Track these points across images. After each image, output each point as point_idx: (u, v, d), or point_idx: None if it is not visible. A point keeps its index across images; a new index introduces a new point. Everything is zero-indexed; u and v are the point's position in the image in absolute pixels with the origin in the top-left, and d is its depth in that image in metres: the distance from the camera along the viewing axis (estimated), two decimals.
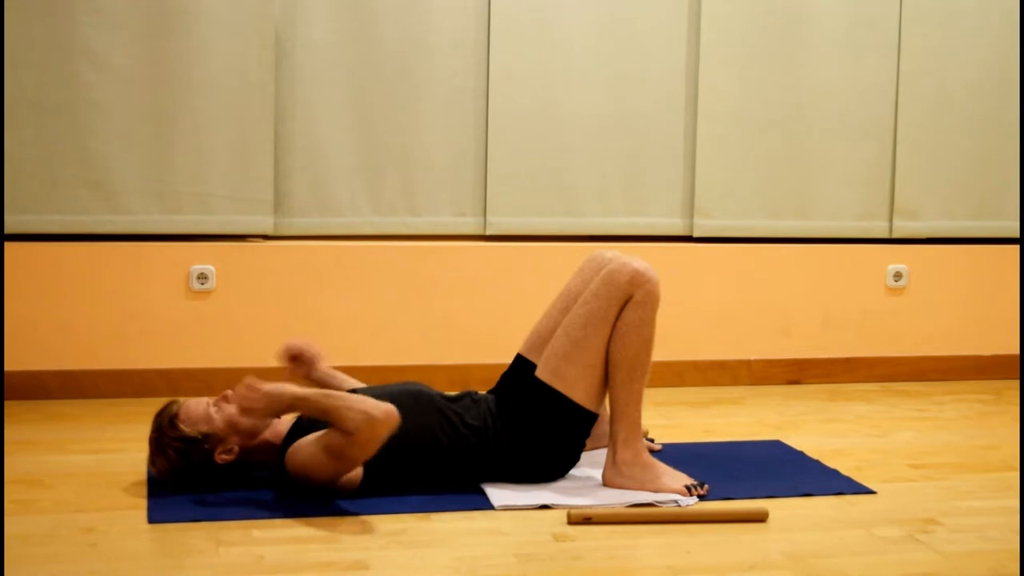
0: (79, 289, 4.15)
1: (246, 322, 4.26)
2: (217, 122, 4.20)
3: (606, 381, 3.16)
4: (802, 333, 4.69)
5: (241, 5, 4.17)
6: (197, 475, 3.07)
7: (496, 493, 3.07)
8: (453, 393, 3.27)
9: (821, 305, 4.71)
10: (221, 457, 3.06)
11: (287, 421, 3.14)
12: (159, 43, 4.13)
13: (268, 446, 3.09)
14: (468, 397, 3.23)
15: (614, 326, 3.11)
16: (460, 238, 4.48)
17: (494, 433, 3.13)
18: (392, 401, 3.12)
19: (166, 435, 3.04)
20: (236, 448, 3.07)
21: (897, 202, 4.74)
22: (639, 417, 3.16)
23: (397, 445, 3.06)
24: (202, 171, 4.21)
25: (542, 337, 3.28)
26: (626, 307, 3.10)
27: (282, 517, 2.92)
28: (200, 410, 3.06)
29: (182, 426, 3.03)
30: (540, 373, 3.16)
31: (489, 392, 3.28)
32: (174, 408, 3.07)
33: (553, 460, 3.19)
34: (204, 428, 3.04)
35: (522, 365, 3.26)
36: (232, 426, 3.05)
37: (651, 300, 3.11)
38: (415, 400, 3.13)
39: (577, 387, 3.12)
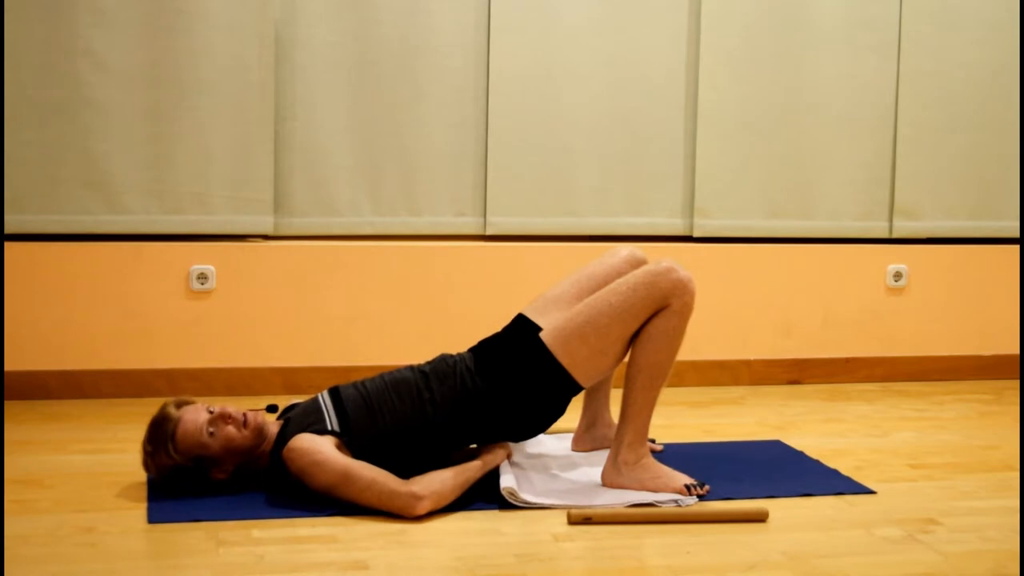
0: (79, 289, 4.15)
1: (246, 322, 4.27)
2: (217, 122, 4.20)
3: (609, 369, 3.17)
4: (802, 333, 4.69)
5: (241, 5, 4.17)
6: (191, 485, 3.06)
7: (507, 476, 3.08)
8: (427, 363, 3.24)
9: (821, 305, 4.71)
10: (216, 475, 3.06)
11: (276, 428, 3.13)
12: (159, 43, 4.13)
13: (261, 454, 3.09)
14: (442, 362, 3.21)
15: (643, 328, 3.10)
16: (460, 238, 4.48)
17: (472, 391, 3.13)
18: (373, 398, 3.12)
19: (161, 459, 3.02)
20: (231, 467, 3.06)
21: (897, 202, 4.74)
22: (648, 423, 3.15)
23: (387, 440, 3.07)
24: (202, 171, 4.21)
25: (550, 301, 3.28)
26: (660, 314, 3.09)
27: (282, 517, 2.92)
28: (195, 437, 3.00)
29: (176, 455, 3.00)
30: (547, 338, 3.13)
31: (468, 350, 3.27)
32: (170, 428, 3.01)
33: (531, 418, 3.17)
34: (199, 453, 3.01)
35: (525, 324, 3.24)
36: (228, 450, 3.03)
37: (687, 311, 3.11)
38: (393, 390, 3.14)
39: (579, 365, 3.12)
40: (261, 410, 3.18)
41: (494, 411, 3.13)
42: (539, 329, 3.18)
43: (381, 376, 3.21)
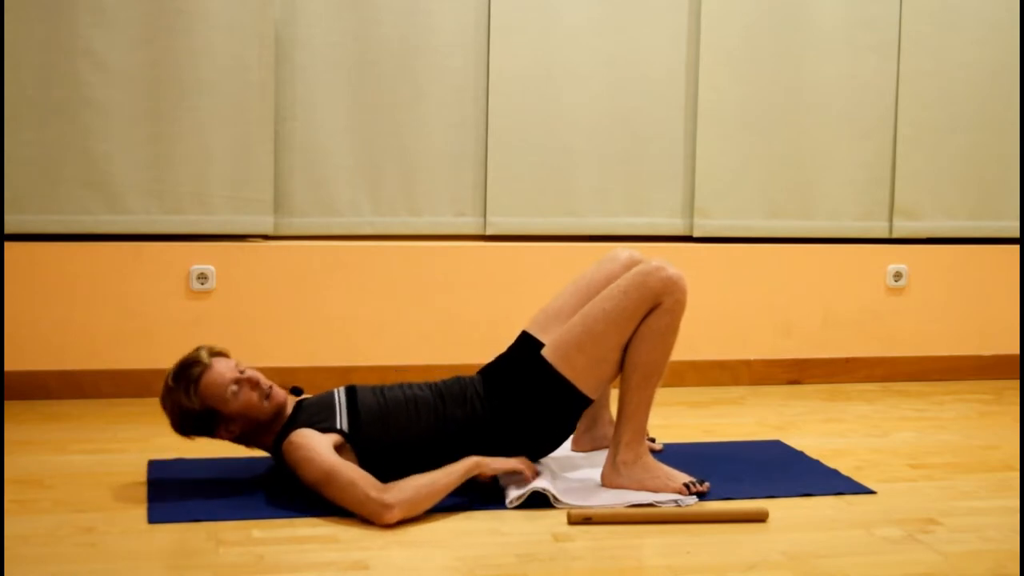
0: (79, 289, 4.15)
1: (246, 322, 4.27)
2: (217, 122, 4.20)
3: (612, 376, 3.17)
4: (802, 333, 4.69)
5: (241, 5, 4.17)
6: (195, 434, 3.09)
7: (512, 491, 3.07)
8: (442, 381, 3.25)
9: (821, 305, 4.70)
10: (222, 434, 3.08)
11: (291, 405, 3.14)
12: (159, 43, 4.13)
13: (269, 431, 3.10)
14: (456, 384, 3.22)
15: (636, 328, 3.11)
16: (460, 238, 4.48)
17: (482, 416, 3.13)
18: (390, 408, 3.12)
19: (178, 397, 3.03)
20: (238, 430, 3.08)
21: (897, 202, 4.74)
22: (646, 422, 3.16)
23: (394, 452, 3.07)
24: (202, 171, 4.21)
25: (551, 317, 3.27)
26: (653, 312, 3.09)
27: (282, 517, 2.92)
28: (219, 389, 3.01)
29: (195, 398, 3.02)
30: (548, 354, 3.14)
31: (477, 373, 3.28)
32: (196, 372, 3.03)
33: (543, 437, 3.19)
34: (216, 405, 3.03)
35: (528, 342, 3.25)
36: (244, 414, 3.05)
37: (679, 309, 3.11)
38: (412, 405, 3.14)
39: (582, 376, 3.12)
40: (287, 388, 3.19)
41: (506, 434, 3.14)
42: (542, 346, 3.19)
43: (400, 387, 3.21)
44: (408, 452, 3.08)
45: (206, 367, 3.04)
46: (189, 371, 3.04)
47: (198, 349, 3.10)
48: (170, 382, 3.05)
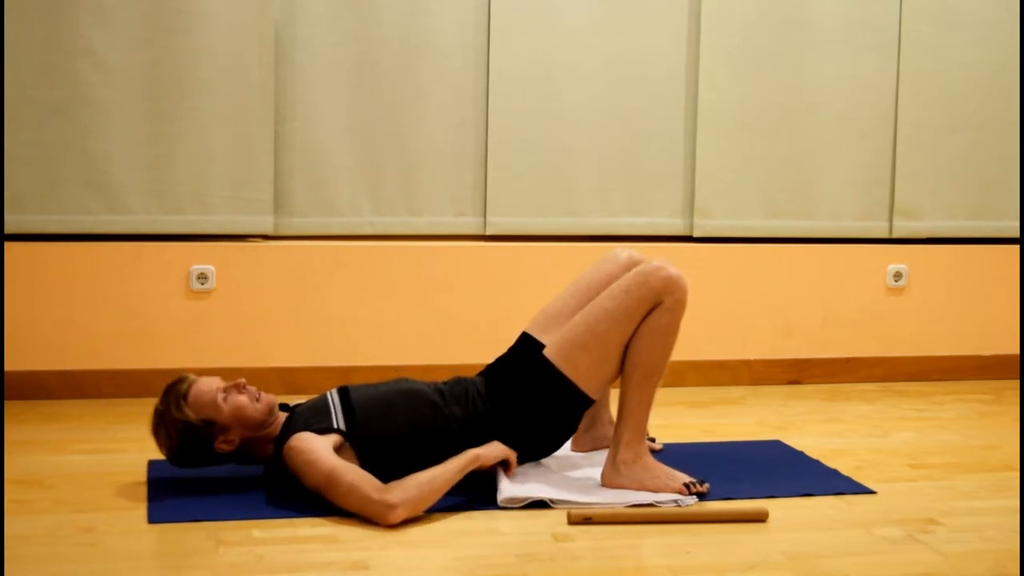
0: (79, 289, 4.15)
1: (246, 322, 4.27)
2: (217, 122, 4.20)
3: (614, 376, 3.17)
4: (802, 333, 4.69)
5: (241, 5, 4.17)
6: (194, 457, 3.07)
7: (505, 486, 3.06)
8: (442, 382, 3.25)
9: (821, 305, 4.71)
10: (221, 446, 3.06)
11: (283, 417, 3.14)
12: (159, 43, 4.13)
13: (268, 439, 3.10)
14: (457, 385, 3.22)
15: (637, 327, 3.11)
16: (460, 238, 4.48)
17: (484, 416, 3.14)
18: (386, 402, 3.12)
19: (171, 414, 3.03)
20: (237, 440, 3.07)
21: (897, 202, 4.74)
22: (646, 421, 3.16)
23: (394, 446, 3.07)
24: (202, 171, 4.21)
25: (551, 318, 3.28)
26: (653, 311, 3.10)
27: (282, 517, 2.92)
28: (208, 396, 3.03)
29: (187, 410, 3.02)
30: (550, 354, 3.14)
31: (478, 375, 3.28)
32: (183, 388, 3.05)
33: (544, 437, 3.19)
34: (209, 414, 3.03)
35: (529, 343, 3.25)
36: (238, 418, 3.05)
37: (680, 308, 3.11)
38: (408, 399, 3.14)
39: (585, 376, 3.12)
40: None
41: (508, 435, 3.14)
42: (543, 347, 3.19)
43: (396, 381, 3.21)
44: (408, 448, 3.07)
45: (192, 382, 3.07)
46: (177, 388, 3.06)
47: (179, 375, 3.12)
48: (160, 406, 3.06)
